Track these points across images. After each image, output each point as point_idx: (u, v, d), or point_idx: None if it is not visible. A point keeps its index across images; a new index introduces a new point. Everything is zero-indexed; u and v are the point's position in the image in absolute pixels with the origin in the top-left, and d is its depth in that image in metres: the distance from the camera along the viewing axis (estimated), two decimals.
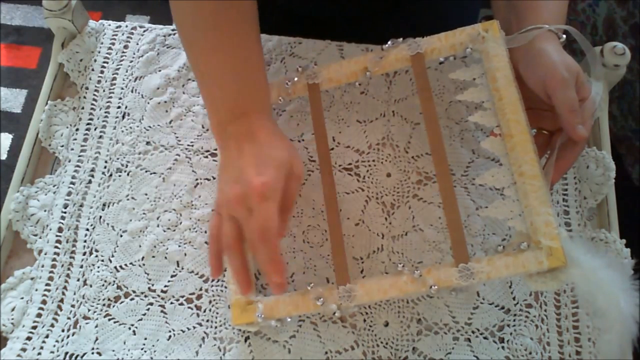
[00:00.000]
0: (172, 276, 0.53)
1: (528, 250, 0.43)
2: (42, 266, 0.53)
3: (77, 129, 0.60)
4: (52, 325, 0.52)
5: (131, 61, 0.63)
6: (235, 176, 0.45)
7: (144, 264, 0.54)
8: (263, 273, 0.50)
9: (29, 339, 0.51)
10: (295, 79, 0.54)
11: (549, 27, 0.49)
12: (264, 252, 0.44)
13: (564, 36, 0.50)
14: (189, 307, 0.52)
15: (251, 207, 0.44)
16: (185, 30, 0.51)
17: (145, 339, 0.51)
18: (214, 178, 0.57)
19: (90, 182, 0.57)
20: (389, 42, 0.52)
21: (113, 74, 0.62)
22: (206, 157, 0.58)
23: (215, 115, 0.50)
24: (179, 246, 0.54)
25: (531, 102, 0.50)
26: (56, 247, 0.54)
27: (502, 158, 0.47)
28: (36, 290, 0.53)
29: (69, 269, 0.54)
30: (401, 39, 0.52)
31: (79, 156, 0.58)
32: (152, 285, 0.53)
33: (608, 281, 0.41)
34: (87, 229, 0.55)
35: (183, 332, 0.51)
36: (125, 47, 0.64)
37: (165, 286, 0.53)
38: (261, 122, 0.48)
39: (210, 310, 0.52)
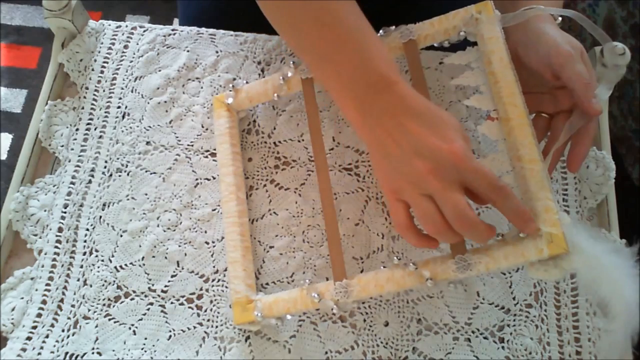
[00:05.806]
0: (172, 276, 0.53)
1: (527, 239, 0.41)
2: (42, 266, 0.53)
3: (77, 129, 0.60)
4: (52, 325, 0.52)
5: (131, 61, 0.63)
6: (414, 151, 0.40)
7: (144, 264, 0.54)
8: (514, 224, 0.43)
9: (29, 339, 0.51)
10: (289, 74, 0.53)
11: (544, 8, 0.47)
12: (508, 206, 0.40)
13: (560, 18, 0.49)
14: (189, 307, 0.52)
15: (451, 178, 0.40)
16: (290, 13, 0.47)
17: (146, 338, 0.51)
18: (213, 178, 0.57)
19: (90, 182, 0.57)
20: (381, 31, 0.50)
21: (113, 74, 0.62)
22: (206, 157, 0.58)
23: (349, 95, 0.44)
24: (179, 246, 0.54)
25: (529, 85, 0.48)
26: (56, 247, 0.54)
27: (499, 143, 0.45)
28: (36, 290, 0.53)
29: (69, 269, 0.54)
30: (393, 27, 0.50)
31: (79, 156, 0.58)
32: (152, 285, 0.53)
33: (612, 268, 0.39)
34: (87, 229, 0.55)
35: (183, 331, 0.51)
36: (125, 47, 0.64)
37: (166, 286, 0.53)
38: (406, 91, 0.43)
39: (211, 310, 0.52)
